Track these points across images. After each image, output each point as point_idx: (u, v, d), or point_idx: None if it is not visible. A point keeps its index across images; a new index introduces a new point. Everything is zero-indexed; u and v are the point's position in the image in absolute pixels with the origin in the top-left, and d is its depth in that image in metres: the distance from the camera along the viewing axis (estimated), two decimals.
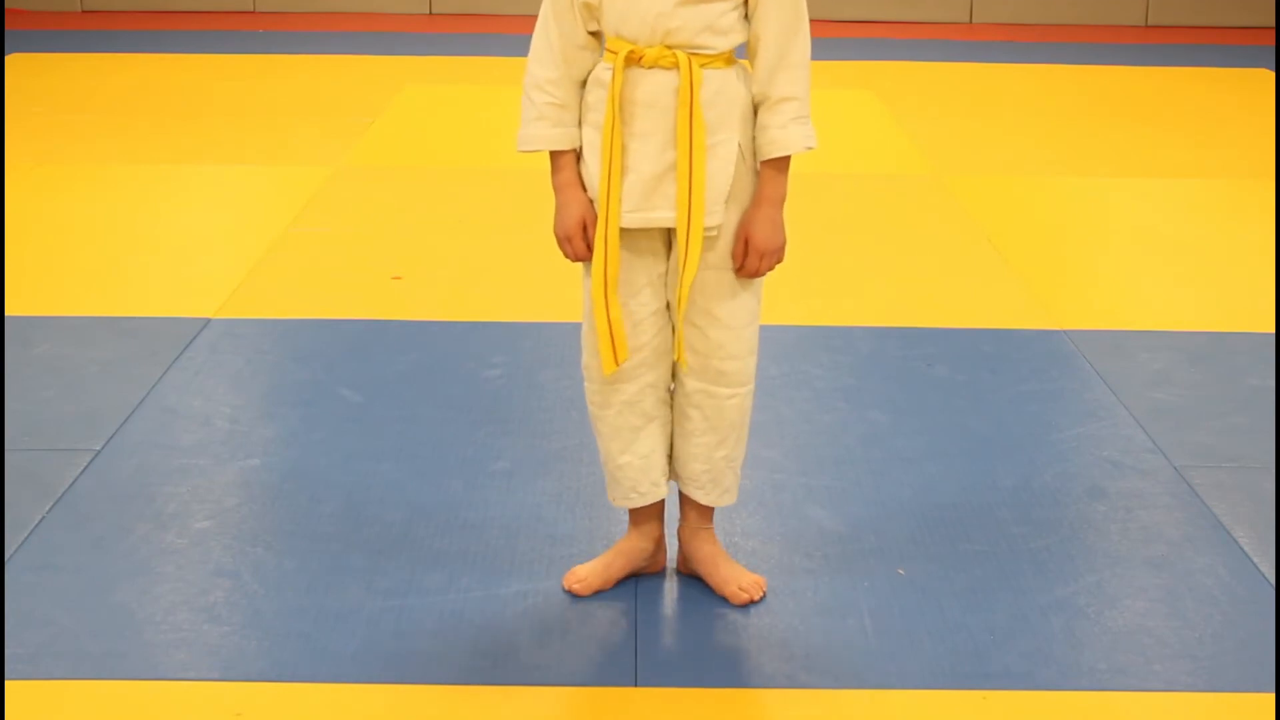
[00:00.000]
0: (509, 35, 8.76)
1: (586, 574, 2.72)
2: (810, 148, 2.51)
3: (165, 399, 3.55)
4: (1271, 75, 7.96)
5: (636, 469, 2.67)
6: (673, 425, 2.69)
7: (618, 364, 2.55)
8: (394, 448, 3.31)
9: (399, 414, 3.50)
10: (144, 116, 6.65)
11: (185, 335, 3.95)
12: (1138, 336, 4.06)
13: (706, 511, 2.74)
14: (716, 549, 2.75)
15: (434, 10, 9.94)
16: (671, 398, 2.67)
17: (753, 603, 2.69)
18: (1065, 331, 4.08)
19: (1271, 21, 9.50)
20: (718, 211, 2.49)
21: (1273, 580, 2.80)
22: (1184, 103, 7.38)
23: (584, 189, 2.54)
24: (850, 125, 6.60)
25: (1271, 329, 4.10)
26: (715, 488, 2.70)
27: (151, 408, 3.50)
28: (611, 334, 2.52)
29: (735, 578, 2.71)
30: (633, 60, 2.43)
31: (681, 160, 2.44)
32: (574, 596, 2.70)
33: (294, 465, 3.23)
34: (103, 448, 3.27)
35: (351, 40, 8.82)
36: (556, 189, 2.55)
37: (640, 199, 2.48)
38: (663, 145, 2.46)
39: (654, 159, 2.46)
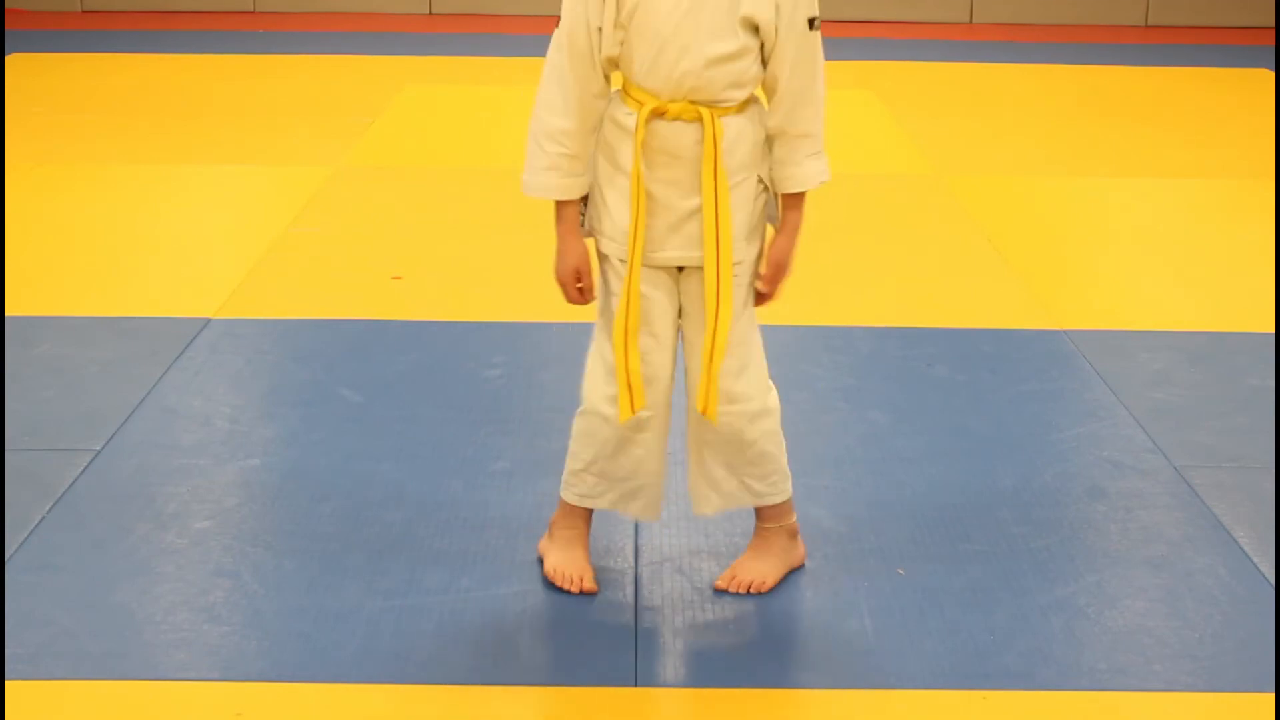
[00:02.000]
0: (509, 35, 8.76)
1: (580, 570, 2.73)
2: (824, 182, 2.57)
3: (165, 399, 3.55)
4: (1271, 75, 7.96)
5: (658, 489, 2.72)
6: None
7: (634, 412, 2.58)
8: (394, 448, 3.31)
9: (399, 414, 3.50)
10: (144, 116, 6.65)
11: (185, 335, 3.95)
12: (1138, 336, 4.06)
13: (765, 512, 2.75)
14: (763, 543, 2.76)
15: (434, 10, 9.93)
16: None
17: (737, 593, 2.70)
18: (1065, 331, 4.08)
19: (1271, 21, 9.50)
20: (740, 248, 2.54)
21: (1273, 580, 2.80)
22: (1184, 103, 7.38)
23: (580, 236, 2.59)
24: (850, 125, 6.60)
25: (1271, 329, 4.11)
26: (718, 495, 2.71)
27: (151, 408, 3.50)
28: (630, 382, 2.56)
29: (746, 567, 2.73)
30: (657, 114, 2.47)
31: (708, 210, 2.49)
32: (573, 596, 2.70)
33: (294, 465, 3.23)
34: (103, 448, 3.27)
35: (351, 40, 8.82)
36: (558, 235, 2.59)
37: (660, 240, 2.53)
38: (686, 192, 2.51)
39: (677, 205, 2.51)
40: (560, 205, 2.57)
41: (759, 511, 2.76)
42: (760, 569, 2.74)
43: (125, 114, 6.70)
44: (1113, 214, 5.38)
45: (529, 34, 8.92)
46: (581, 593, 2.70)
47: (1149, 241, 5.03)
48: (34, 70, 7.66)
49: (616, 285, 2.56)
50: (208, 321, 4.06)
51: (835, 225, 5.02)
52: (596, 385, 2.64)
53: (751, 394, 2.63)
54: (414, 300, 4.30)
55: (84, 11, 9.75)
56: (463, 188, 5.52)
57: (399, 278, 4.48)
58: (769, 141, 2.56)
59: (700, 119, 2.46)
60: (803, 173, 2.54)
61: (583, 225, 2.61)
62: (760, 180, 2.56)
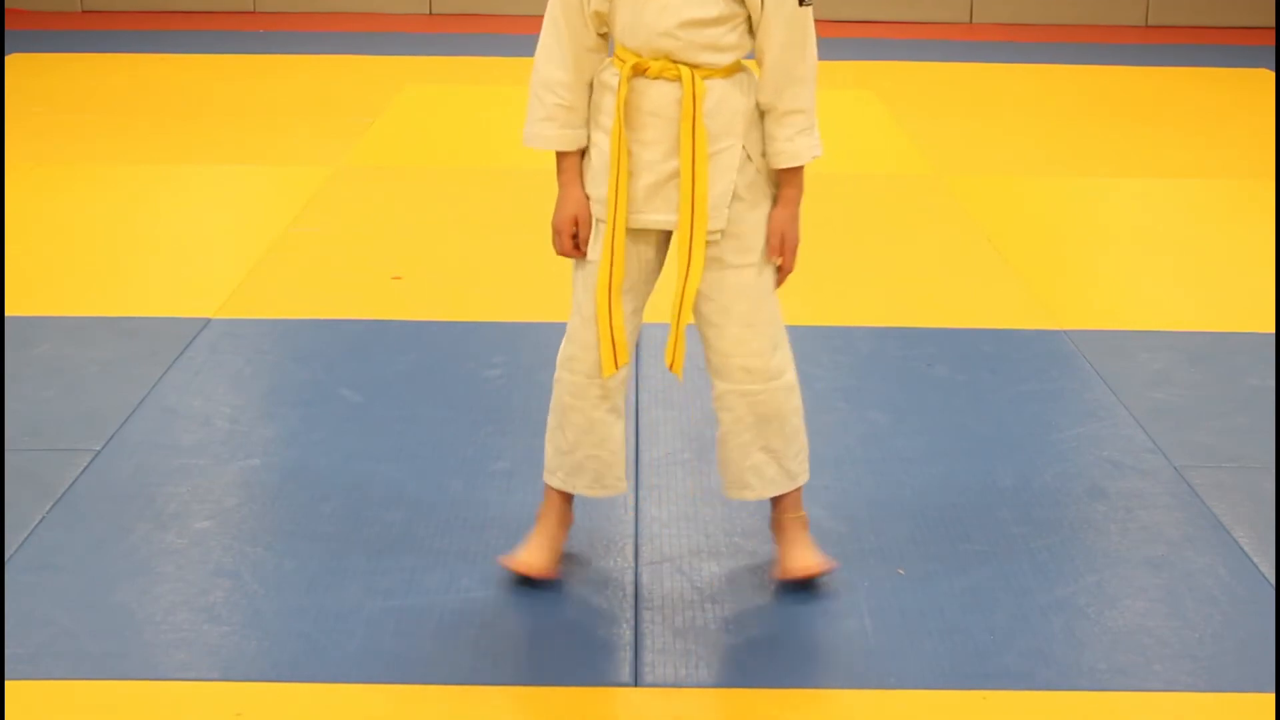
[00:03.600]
0: (509, 35, 8.76)
1: (544, 560, 2.73)
2: (816, 156, 2.58)
3: (165, 399, 3.55)
4: (1271, 75, 7.96)
5: (604, 462, 2.71)
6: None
7: (617, 367, 2.59)
8: (394, 448, 3.31)
9: (399, 414, 3.50)
10: (144, 116, 6.65)
11: (185, 335, 3.95)
12: (1138, 336, 4.06)
13: (787, 501, 2.75)
14: (794, 533, 2.75)
15: (434, 10, 9.94)
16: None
17: (811, 577, 2.70)
18: (1065, 331, 4.08)
19: (1271, 21, 9.50)
20: (720, 215, 2.53)
21: (1273, 580, 2.80)
22: (1184, 103, 7.38)
23: (582, 187, 2.58)
24: (850, 125, 6.60)
25: (1271, 329, 4.10)
26: (759, 480, 2.71)
27: (151, 408, 3.50)
28: (613, 338, 2.57)
29: (795, 556, 2.73)
30: (638, 71, 2.48)
31: (685, 169, 2.50)
32: (573, 596, 2.70)
33: (294, 465, 3.23)
34: (103, 448, 3.27)
35: (351, 40, 8.82)
36: (559, 184, 2.60)
37: (642, 202, 2.53)
38: (666, 153, 2.51)
39: (658, 166, 2.52)
40: (561, 156, 2.59)
41: (781, 503, 2.75)
42: (810, 555, 2.74)
43: (125, 114, 6.70)
44: (1113, 214, 5.38)
45: (529, 34, 8.87)
46: (527, 577, 2.70)
47: (1149, 241, 5.03)
48: (34, 70, 7.66)
49: (597, 250, 2.57)
50: (208, 321, 4.06)
51: (835, 225, 5.02)
52: (562, 347, 2.68)
53: (784, 368, 2.68)
54: (414, 300, 4.30)
55: (84, 11, 9.75)
56: (463, 188, 5.52)
57: (399, 278, 4.48)
58: (761, 117, 2.56)
59: (680, 78, 2.47)
60: (794, 148, 2.55)
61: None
62: (750, 157, 2.54)
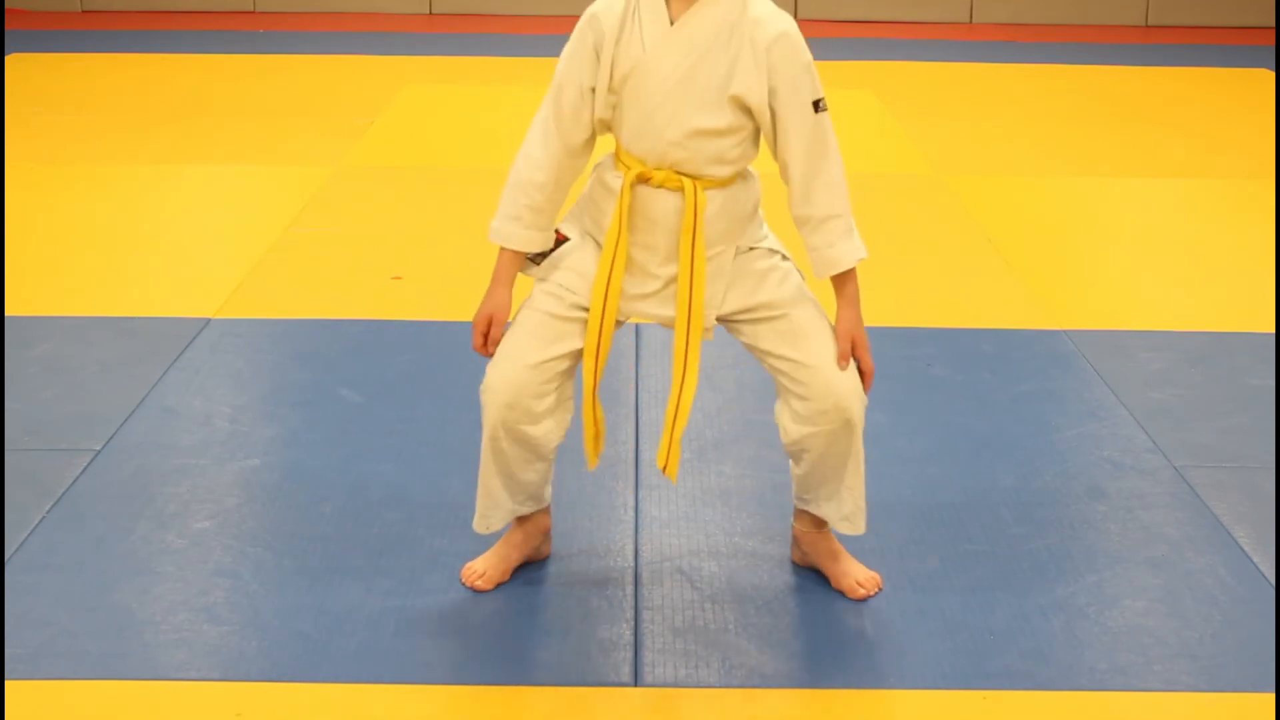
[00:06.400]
0: (509, 35, 8.76)
1: (485, 569, 2.74)
2: (861, 259, 2.60)
3: (165, 399, 3.55)
4: (1271, 75, 7.96)
5: (534, 483, 2.71)
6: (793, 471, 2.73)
7: (597, 458, 2.66)
8: (394, 448, 3.31)
9: (399, 414, 3.50)
10: (144, 116, 6.65)
11: (185, 335, 3.95)
12: (1138, 336, 4.06)
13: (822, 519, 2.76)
14: (835, 545, 2.77)
15: (434, 10, 9.94)
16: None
17: (869, 598, 2.70)
18: (1065, 331, 4.08)
19: (1271, 21, 9.51)
20: (709, 316, 2.56)
21: (1273, 580, 2.80)
22: (1184, 103, 7.38)
23: (510, 288, 2.63)
24: (850, 125, 6.59)
25: (1271, 329, 4.10)
26: (837, 514, 2.70)
27: (151, 408, 3.50)
28: (597, 431, 2.63)
29: (853, 573, 2.73)
30: (641, 180, 2.49)
31: (683, 277, 2.51)
32: (573, 596, 2.70)
33: (294, 465, 3.23)
34: (103, 448, 3.27)
35: (351, 40, 8.82)
36: (492, 279, 2.67)
37: (639, 301, 2.56)
38: (663, 259, 2.54)
39: (654, 272, 2.55)
40: (504, 253, 2.63)
41: (818, 518, 2.75)
42: (862, 570, 2.75)
43: (125, 114, 6.71)
44: (1113, 214, 5.38)
45: (529, 34, 8.93)
46: (471, 588, 2.71)
47: (1149, 241, 5.03)
48: (34, 70, 7.67)
49: (543, 302, 2.59)
50: (208, 321, 4.06)
51: None
52: (488, 372, 2.70)
53: (848, 408, 2.67)
54: (414, 300, 4.30)
55: (84, 11, 9.75)
56: (463, 188, 5.51)
57: (399, 278, 4.48)
58: (797, 227, 2.56)
59: (683, 189, 2.48)
60: (836, 254, 2.57)
61: (535, 263, 2.63)
62: (780, 254, 2.59)
